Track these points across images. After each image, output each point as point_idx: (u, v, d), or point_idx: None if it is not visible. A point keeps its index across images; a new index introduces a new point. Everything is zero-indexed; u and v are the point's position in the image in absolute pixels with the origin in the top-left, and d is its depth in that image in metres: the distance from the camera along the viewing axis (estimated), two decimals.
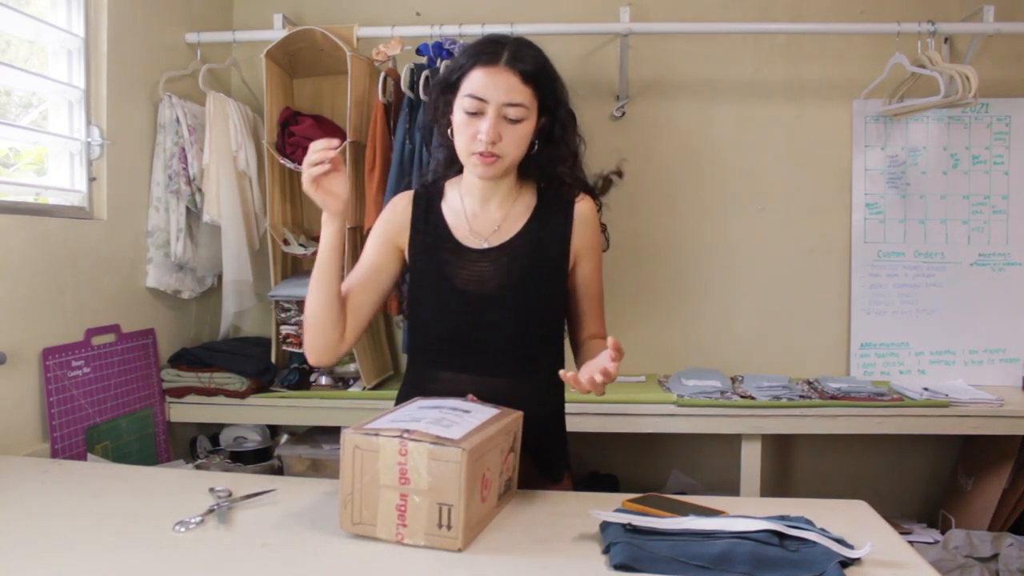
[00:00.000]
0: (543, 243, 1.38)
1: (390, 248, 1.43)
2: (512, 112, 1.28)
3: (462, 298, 1.37)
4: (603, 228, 1.48)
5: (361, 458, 1.07)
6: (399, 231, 1.43)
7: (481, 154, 1.29)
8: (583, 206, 1.41)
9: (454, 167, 1.45)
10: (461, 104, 1.31)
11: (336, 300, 1.34)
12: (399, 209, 1.45)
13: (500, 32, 2.32)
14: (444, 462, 1.04)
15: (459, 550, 1.05)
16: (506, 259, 1.37)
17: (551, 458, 1.42)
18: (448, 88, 1.35)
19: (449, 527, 1.04)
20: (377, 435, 1.07)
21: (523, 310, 1.37)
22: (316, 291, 1.33)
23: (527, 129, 1.31)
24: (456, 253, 1.39)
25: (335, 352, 1.37)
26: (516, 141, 1.31)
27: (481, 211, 1.41)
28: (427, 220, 1.42)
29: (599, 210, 1.46)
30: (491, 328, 1.37)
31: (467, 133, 1.30)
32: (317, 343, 1.36)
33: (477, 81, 1.29)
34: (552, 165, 1.39)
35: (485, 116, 1.28)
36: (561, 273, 1.40)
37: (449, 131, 1.37)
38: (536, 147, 1.37)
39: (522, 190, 1.42)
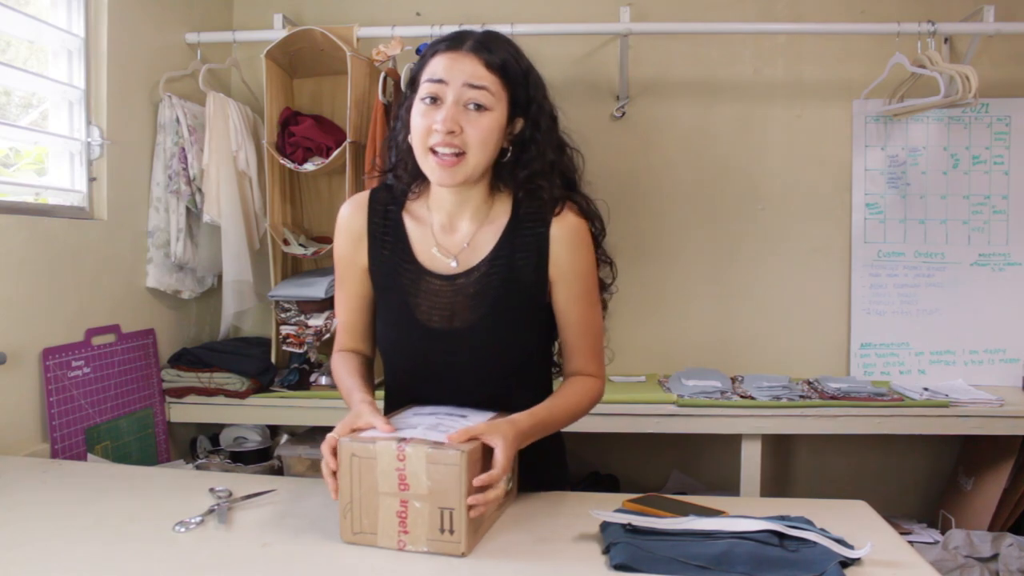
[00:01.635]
0: (514, 268, 1.22)
1: (359, 270, 1.30)
2: (475, 96, 1.13)
3: (426, 333, 1.23)
4: (609, 263, 1.32)
5: (359, 466, 1.06)
6: (356, 246, 1.29)
7: (437, 153, 1.14)
8: (562, 226, 1.22)
9: (416, 179, 1.27)
10: (419, 94, 1.16)
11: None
12: (348, 219, 1.30)
13: (500, 32, 2.34)
14: (443, 465, 1.03)
15: (462, 555, 1.04)
16: (472, 289, 1.21)
17: (548, 479, 1.32)
18: (410, 86, 1.22)
19: (452, 531, 1.04)
20: (374, 442, 1.06)
21: (495, 344, 1.23)
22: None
23: (492, 121, 1.15)
24: (417, 279, 1.23)
25: None
26: (480, 134, 1.14)
27: (449, 226, 1.25)
28: (386, 229, 1.27)
29: (598, 236, 1.29)
30: (461, 365, 1.23)
31: (423, 125, 1.14)
32: None
33: (436, 65, 1.15)
34: (525, 174, 1.21)
35: (444, 103, 1.14)
36: (537, 301, 1.24)
37: (409, 136, 1.20)
38: (509, 154, 1.21)
39: (495, 202, 1.25)
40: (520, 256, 1.22)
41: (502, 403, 1.23)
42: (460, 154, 1.15)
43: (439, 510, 1.04)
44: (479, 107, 1.14)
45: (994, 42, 2.52)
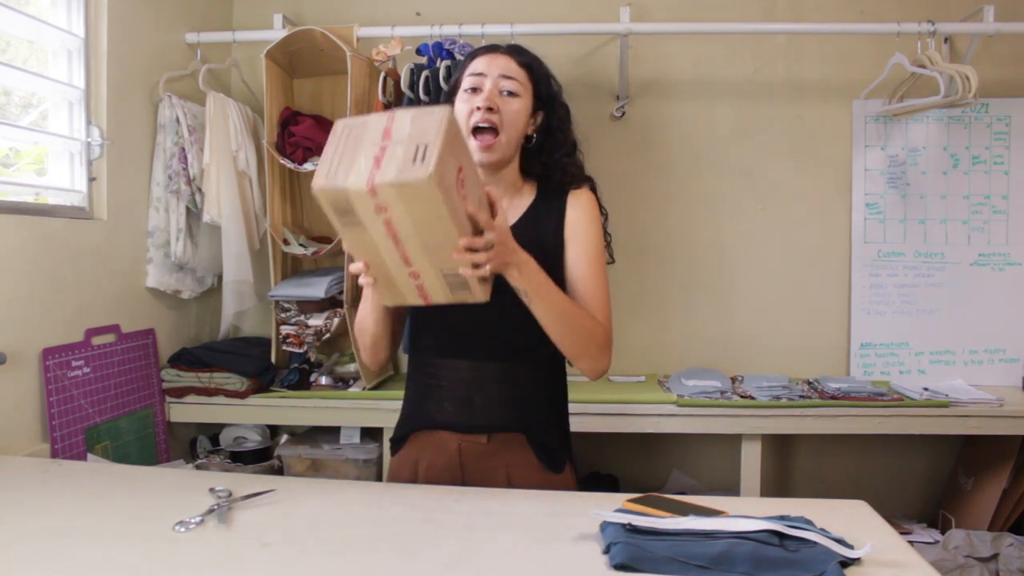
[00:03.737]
0: (540, 233, 1.41)
1: None
2: (508, 85, 1.38)
3: None
4: (608, 242, 1.49)
5: (347, 134, 1.12)
6: None
7: (479, 132, 1.35)
8: (578, 196, 1.44)
9: None
10: (462, 87, 1.40)
11: (388, 317, 1.39)
12: None
13: (500, 32, 2.34)
14: (428, 117, 1.08)
15: (428, 179, 1.02)
16: None
17: (552, 446, 1.42)
18: (452, 90, 1.44)
19: (423, 160, 1.05)
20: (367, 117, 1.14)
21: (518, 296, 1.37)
22: (371, 313, 1.38)
23: (521, 106, 1.39)
24: None
25: (390, 360, 1.44)
26: (512, 116, 1.38)
27: None
28: None
29: (604, 216, 1.48)
30: (487, 313, 1.32)
31: (467, 109, 1.37)
32: (378, 358, 1.45)
33: (477, 63, 1.40)
34: (552, 155, 1.45)
35: (483, 90, 1.37)
36: (558, 261, 1.41)
37: None
38: (534, 140, 1.44)
39: (523, 186, 1.46)
40: (543, 223, 1.42)
41: (519, 355, 1.39)
42: (495, 133, 1.36)
43: (415, 146, 1.06)
44: (511, 93, 1.38)
45: (994, 42, 2.52)
